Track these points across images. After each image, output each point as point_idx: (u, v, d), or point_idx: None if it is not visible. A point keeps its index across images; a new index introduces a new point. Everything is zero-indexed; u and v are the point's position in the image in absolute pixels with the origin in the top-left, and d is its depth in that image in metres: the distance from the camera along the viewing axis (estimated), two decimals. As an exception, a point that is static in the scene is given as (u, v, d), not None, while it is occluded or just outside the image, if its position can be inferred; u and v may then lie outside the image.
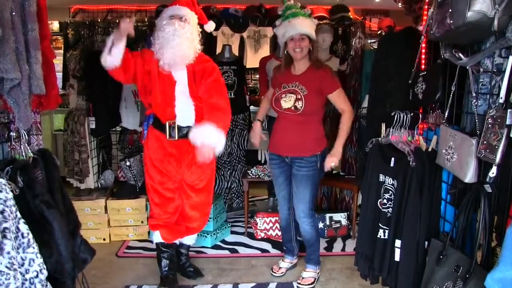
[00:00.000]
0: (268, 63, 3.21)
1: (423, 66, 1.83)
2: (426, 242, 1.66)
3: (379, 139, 1.93)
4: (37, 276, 1.30)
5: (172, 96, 2.09)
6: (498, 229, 1.36)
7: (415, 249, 1.67)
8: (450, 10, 1.34)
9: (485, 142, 1.31)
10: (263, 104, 2.54)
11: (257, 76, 4.16)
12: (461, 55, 1.50)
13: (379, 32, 3.80)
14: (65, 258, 1.43)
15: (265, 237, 3.04)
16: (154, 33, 2.10)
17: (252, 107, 3.79)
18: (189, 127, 2.14)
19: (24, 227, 1.29)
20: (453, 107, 1.62)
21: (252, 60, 4.55)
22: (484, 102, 1.46)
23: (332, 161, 2.21)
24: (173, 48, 1.99)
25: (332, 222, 3.04)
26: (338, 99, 2.22)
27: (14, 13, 1.33)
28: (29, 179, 1.41)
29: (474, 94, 1.45)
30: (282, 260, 2.59)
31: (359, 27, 3.39)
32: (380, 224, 1.85)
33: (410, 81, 1.83)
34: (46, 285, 1.35)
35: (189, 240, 2.43)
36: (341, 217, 3.07)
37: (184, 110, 2.12)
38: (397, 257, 1.74)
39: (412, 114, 1.81)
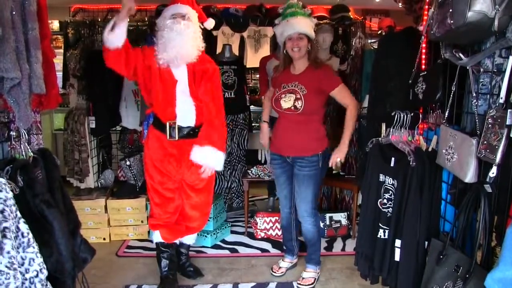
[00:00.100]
0: (268, 63, 3.21)
1: (423, 66, 1.83)
2: (426, 242, 1.65)
3: (379, 139, 1.93)
4: (37, 276, 1.30)
5: (173, 96, 2.09)
6: (498, 229, 1.36)
7: (415, 249, 1.67)
8: (450, 10, 1.34)
9: (485, 142, 1.31)
10: (266, 104, 2.54)
11: (257, 75, 4.16)
12: (461, 55, 1.50)
13: (379, 32, 3.80)
14: (65, 257, 1.43)
15: (265, 236, 3.04)
16: (155, 33, 2.10)
17: (252, 107, 3.79)
18: (189, 127, 2.14)
19: (24, 227, 1.29)
20: (453, 107, 1.62)
21: (252, 60, 4.55)
22: (484, 102, 1.46)
23: (338, 157, 2.21)
24: (177, 47, 1.98)
25: (332, 222, 3.05)
26: (341, 95, 2.21)
27: (14, 12, 1.33)
28: (29, 178, 1.41)
29: (474, 94, 1.45)
30: (282, 260, 2.59)
31: (359, 27, 3.39)
32: (380, 224, 1.85)
33: (410, 81, 1.83)
34: (46, 285, 1.35)
35: (189, 239, 2.43)
36: (341, 217, 3.08)
37: (184, 110, 2.12)
38: (397, 257, 1.74)
39: (412, 114, 1.81)
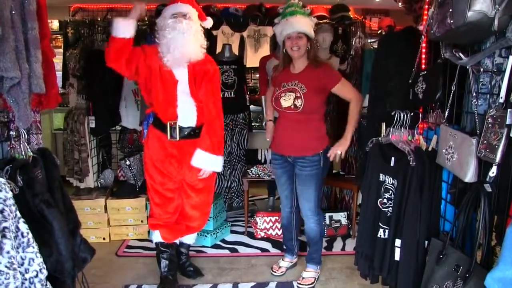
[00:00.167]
0: (268, 63, 3.21)
1: (423, 66, 1.83)
2: (426, 242, 1.65)
3: (379, 138, 1.93)
4: (36, 276, 1.30)
5: (174, 96, 2.08)
6: (498, 228, 1.36)
7: (415, 249, 1.67)
8: (450, 10, 1.34)
9: (485, 141, 1.31)
10: (269, 104, 2.54)
11: (257, 75, 4.16)
12: (461, 54, 1.50)
13: (379, 31, 3.80)
14: (65, 257, 1.43)
15: (265, 236, 3.04)
16: (156, 33, 2.09)
17: (252, 107, 3.79)
18: (190, 128, 2.13)
19: (23, 227, 1.29)
20: (453, 106, 1.62)
21: (252, 59, 4.55)
22: (484, 102, 1.46)
23: (338, 150, 2.20)
24: (181, 47, 1.97)
25: (332, 222, 3.05)
26: (343, 90, 2.20)
27: (14, 12, 1.32)
28: (28, 178, 1.40)
29: (474, 94, 1.45)
30: (282, 259, 2.59)
31: (359, 26, 3.39)
32: (380, 224, 1.85)
33: (410, 81, 1.83)
34: (46, 285, 1.35)
35: (189, 239, 2.43)
36: (341, 216, 3.08)
37: (186, 111, 2.11)
38: (397, 257, 1.74)
39: (412, 114, 1.81)
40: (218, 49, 3.83)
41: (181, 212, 2.30)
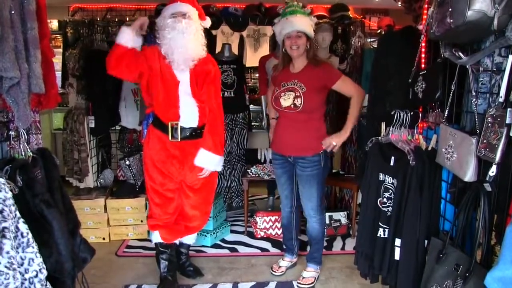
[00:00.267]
0: (267, 62, 3.21)
1: (423, 65, 1.83)
2: (426, 241, 1.66)
3: (379, 138, 1.93)
4: (36, 276, 1.30)
5: (175, 97, 2.07)
6: (497, 227, 1.36)
7: (415, 248, 1.67)
8: (450, 9, 1.34)
9: (485, 141, 1.31)
10: (270, 103, 2.54)
11: (257, 75, 4.16)
12: (461, 54, 1.50)
13: (379, 31, 3.80)
14: (65, 257, 1.43)
15: (265, 236, 3.04)
16: (155, 33, 2.09)
17: (251, 106, 3.79)
18: (191, 128, 2.13)
19: (23, 227, 1.29)
20: (453, 106, 1.62)
21: (251, 59, 4.55)
22: (484, 101, 1.46)
23: (333, 140, 2.18)
24: (182, 47, 1.97)
25: (332, 221, 3.05)
26: (344, 86, 2.19)
27: (13, 12, 1.32)
28: (28, 178, 1.40)
29: (474, 93, 1.45)
30: (282, 259, 2.59)
31: (359, 26, 3.38)
32: (380, 223, 1.85)
33: (410, 80, 1.83)
34: (46, 285, 1.35)
35: (189, 239, 2.43)
36: (340, 216, 3.08)
37: (187, 112, 2.10)
38: (397, 256, 1.74)
39: (412, 113, 1.81)
40: (218, 49, 3.83)
41: (180, 212, 2.29)
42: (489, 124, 1.29)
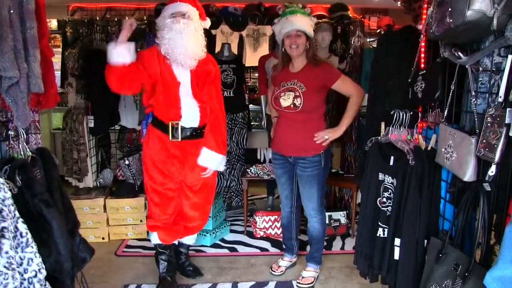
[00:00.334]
0: (267, 62, 3.21)
1: (422, 65, 1.83)
2: (426, 241, 1.66)
3: (379, 137, 1.93)
4: (35, 276, 1.30)
5: (176, 98, 2.06)
6: (497, 227, 1.36)
7: (414, 248, 1.67)
8: (449, 9, 1.34)
9: (484, 141, 1.31)
10: (270, 103, 2.54)
11: (256, 74, 4.16)
12: (460, 54, 1.50)
13: (378, 30, 3.80)
14: (64, 257, 1.43)
15: (265, 235, 3.04)
16: (155, 32, 2.08)
17: (251, 106, 3.79)
18: (192, 128, 2.12)
19: (22, 227, 1.29)
20: (452, 106, 1.62)
21: (251, 59, 4.54)
22: (483, 101, 1.46)
23: (326, 135, 2.18)
24: (180, 47, 1.96)
25: (332, 221, 3.05)
26: (343, 86, 2.19)
27: (12, 11, 1.32)
28: (27, 178, 1.40)
29: (473, 93, 1.45)
30: (282, 259, 2.59)
31: (358, 25, 3.39)
32: (379, 223, 1.85)
33: (409, 80, 1.83)
34: (45, 285, 1.35)
35: (189, 240, 2.42)
36: (340, 215, 3.08)
37: (189, 112, 2.09)
38: (396, 256, 1.74)
39: (411, 113, 1.81)
40: (217, 48, 3.83)
41: (180, 213, 2.29)
42: (489, 124, 1.29)
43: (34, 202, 1.39)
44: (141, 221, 2.98)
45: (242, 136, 3.45)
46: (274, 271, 2.51)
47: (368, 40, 3.64)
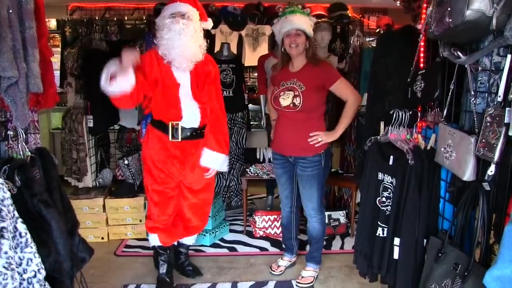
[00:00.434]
0: (266, 61, 3.21)
1: (422, 65, 1.83)
2: (425, 240, 1.66)
3: (378, 137, 1.93)
4: (35, 276, 1.30)
5: (176, 99, 2.06)
6: (496, 227, 1.36)
7: (414, 247, 1.67)
8: (449, 9, 1.34)
9: (483, 140, 1.31)
10: (270, 104, 2.54)
11: (256, 74, 4.16)
12: (459, 53, 1.50)
13: (378, 30, 3.80)
14: (64, 257, 1.43)
15: (264, 235, 3.04)
16: (155, 32, 2.07)
17: (250, 105, 3.79)
18: (192, 128, 2.11)
19: (22, 227, 1.29)
20: (451, 105, 1.62)
21: (250, 58, 4.54)
22: (482, 101, 1.46)
23: (319, 137, 2.18)
24: (178, 48, 1.94)
25: (331, 220, 3.05)
26: (340, 89, 2.19)
27: (11, 11, 1.32)
28: (27, 178, 1.40)
29: (472, 93, 1.46)
30: (281, 259, 2.59)
31: (358, 25, 3.39)
32: (379, 222, 1.85)
33: (409, 80, 1.83)
34: (44, 285, 1.35)
35: (189, 240, 2.42)
36: (339, 215, 3.08)
37: (189, 113, 2.09)
38: (396, 255, 1.74)
39: (411, 112, 1.81)
40: (217, 48, 3.83)
41: (179, 213, 2.29)
42: (488, 124, 1.30)
43: (33, 202, 1.39)
44: (140, 221, 2.98)
45: (241, 136, 3.45)
46: (274, 271, 2.51)
47: (368, 39, 3.64)
